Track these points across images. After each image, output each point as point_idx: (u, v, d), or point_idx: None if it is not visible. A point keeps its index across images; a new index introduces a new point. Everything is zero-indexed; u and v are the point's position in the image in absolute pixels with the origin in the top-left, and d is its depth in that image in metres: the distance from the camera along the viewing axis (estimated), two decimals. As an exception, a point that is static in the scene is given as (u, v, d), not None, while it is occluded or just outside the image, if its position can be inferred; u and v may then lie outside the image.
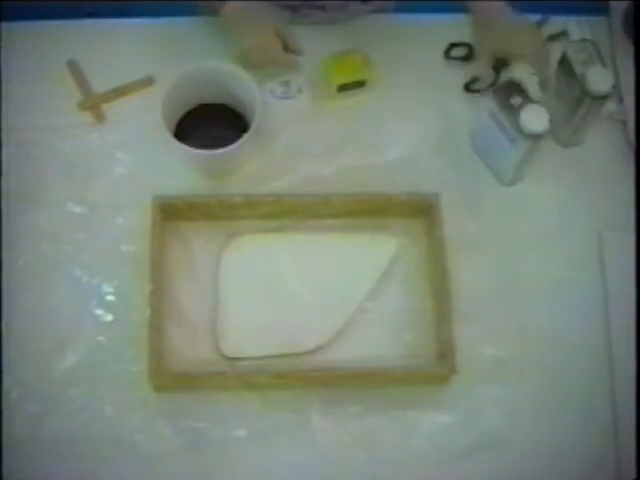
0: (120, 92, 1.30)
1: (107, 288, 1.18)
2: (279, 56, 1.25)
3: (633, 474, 1.07)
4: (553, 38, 1.37)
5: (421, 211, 1.22)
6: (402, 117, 1.28)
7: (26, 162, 1.24)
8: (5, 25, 1.31)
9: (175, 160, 1.24)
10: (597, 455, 1.14)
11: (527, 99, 1.18)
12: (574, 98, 1.22)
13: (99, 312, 1.17)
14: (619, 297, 1.20)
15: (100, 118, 1.29)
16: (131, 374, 1.13)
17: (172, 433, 1.12)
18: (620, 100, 1.32)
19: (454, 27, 1.35)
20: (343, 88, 1.29)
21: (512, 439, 1.14)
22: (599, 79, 1.19)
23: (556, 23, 1.38)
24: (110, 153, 1.26)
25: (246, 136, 1.17)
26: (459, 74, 1.34)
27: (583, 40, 1.29)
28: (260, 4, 1.25)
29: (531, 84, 1.19)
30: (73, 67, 1.31)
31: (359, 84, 1.29)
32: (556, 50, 1.29)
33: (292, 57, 1.26)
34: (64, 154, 1.25)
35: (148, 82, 1.31)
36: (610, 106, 1.26)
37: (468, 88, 1.33)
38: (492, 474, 1.13)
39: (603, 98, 1.20)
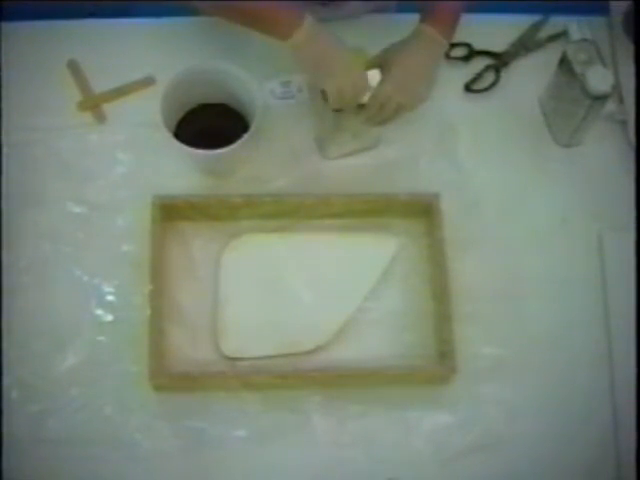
0: (120, 92, 1.30)
1: (107, 288, 1.18)
2: (360, 76, 1.17)
3: (633, 474, 1.07)
4: (553, 38, 1.37)
5: (421, 211, 1.22)
6: (402, 117, 1.27)
7: (26, 162, 1.24)
8: (5, 25, 1.31)
9: (175, 160, 1.24)
10: (597, 455, 1.14)
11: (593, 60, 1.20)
12: (574, 98, 1.22)
13: (99, 312, 1.17)
14: (619, 297, 1.20)
15: (100, 118, 1.29)
16: (131, 374, 1.13)
17: (172, 433, 1.12)
18: (620, 100, 1.32)
19: (454, 27, 1.36)
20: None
21: (512, 439, 1.14)
22: (599, 79, 1.19)
23: (556, 23, 1.38)
24: (110, 153, 1.26)
25: (246, 136, 1.17)
26: (459, 74, 1.34)
27: (583, 40, 1.29)
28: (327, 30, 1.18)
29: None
30: (73, 67, 1.31)
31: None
32: (556, 50, 1.29)
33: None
34: (64, 154, 1.25)
35: (148, 82, 1.31)
36: (610, 106, 1.26)
37: (468, 88, 1.34)
38: (492, 474, 1.13)
39: (603, 98, 1.20)
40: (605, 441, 1.15)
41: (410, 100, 1.19)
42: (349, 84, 1.16)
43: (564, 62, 1.23)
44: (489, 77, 1.34)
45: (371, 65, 1.19)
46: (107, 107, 1.29)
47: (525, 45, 1.37)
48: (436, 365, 1.16)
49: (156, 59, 1.32)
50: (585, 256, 1.24)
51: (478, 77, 1.34)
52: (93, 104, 1.29)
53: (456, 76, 1.34)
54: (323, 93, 1.18)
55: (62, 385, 1.13)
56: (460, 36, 1.33)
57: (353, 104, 1.19)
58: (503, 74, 1.35)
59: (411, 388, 1.15)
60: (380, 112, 1.19)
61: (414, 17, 1.22)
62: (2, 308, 1.14)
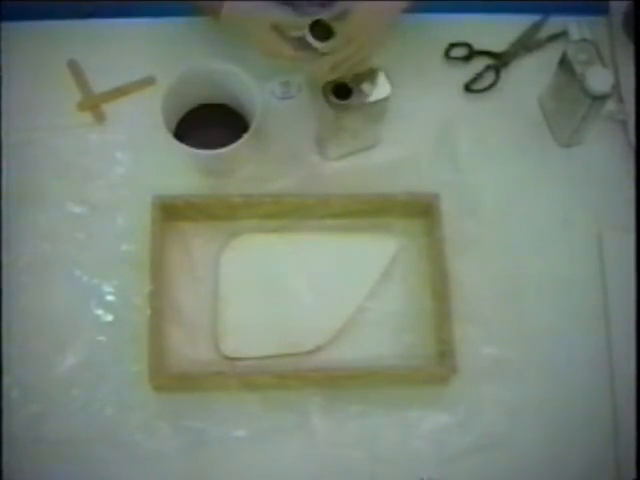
0: (120, 92, 1.30)
1: (107, 288, 1.18)
2: (286, 54, 1.18)
3: (633, 474, 1.07)
4: (553, 38, 1.37)
5: (421, 211, 1.22)
6: (402, 117, 1.28)
7: (26, 162, 1.24)
8: (5, 25, 1.31)
9: (175, 160, 1.24)
10: (597, 455, 1.14)
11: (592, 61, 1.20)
12: (574, 98, 1.22)
13: (99, 312, 1.17)
14: (619, 297, 1.20)
15: (100, 118, 1.29)
16: (131, 374, 1.13)
17: (172, 433, 1.12)
18: (620, 100, 1.32)
19: (454, 27, 1.35)
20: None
21: (512, 439, 1.14)
22: (599, 79, 1.19)
23: (556, 23, 1.38)
24: (110, 153, 1.26)
25: (246, 136, 1.17)
26: (459, 74, 1.34)
27: (583, 40, 1.29)
28: (257, 3, 1.21)
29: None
30: (73, 67, 1.31)
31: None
32: (556, 50, 1.29)
33: (303, 53, 1.18)
34: (64, 154, 1.25)
35: (148, 82, 1.31)
36: (610, 106, 1.26)
37: (468, 88, 1.34)
38: (492, 474, 1.13)
39: (603, 98, 1.20)
40: (605, 441, 1.14)
41: (372, 37, 1.18)
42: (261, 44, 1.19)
43: (564, 62, 1.23)
44: (489, 77, 1.34)
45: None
46: (107, 107, 1.29)
47: (525, 45, 1.36)
48: (436, 365, 1.16)
49: (156, 59, 1.32)
50: (585, 256, 1.24)
51: (478, 77, 1.34)
52: (93, 104, 1.29)
53: (456, 76, 1.34)
54: (324, 92, 1.18)
55: (62, 385, 1.13)
56: (460, 36, 1.34)
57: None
58: (503, 74, 1.34)
59: (411, 388, 1.15)
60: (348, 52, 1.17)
61: (412, 17, 1.22)
62: (2, 308, 1.14)
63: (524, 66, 1.36)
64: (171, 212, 1.19)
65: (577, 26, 1.37)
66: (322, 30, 1.16)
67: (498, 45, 1.36)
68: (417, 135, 1.29)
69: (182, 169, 1.25)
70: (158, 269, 1.15)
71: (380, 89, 1.19)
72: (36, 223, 1.21)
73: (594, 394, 1.17)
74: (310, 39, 1.16)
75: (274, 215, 1.22)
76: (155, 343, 1.12)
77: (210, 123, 1.25)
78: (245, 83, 1.21)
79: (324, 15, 1.17)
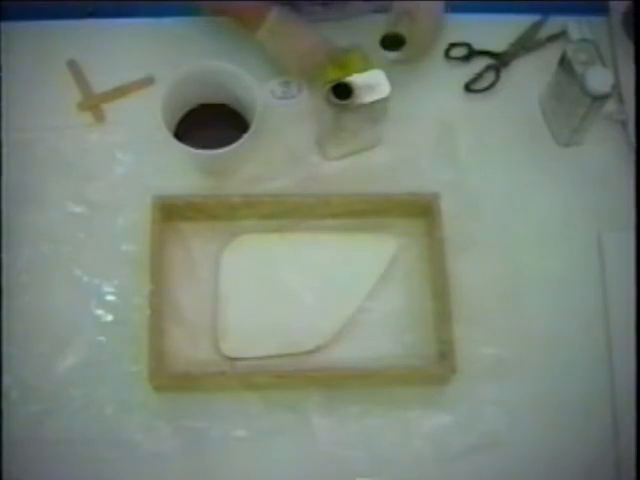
0: (120, 92, 1.30)
1: (107, 288, 1.18)
2: (321, 60, 1.26)
3: (633, 474, 1.07)
4: (553, 38, 1.37)
5: (421, 211, 1.22)
6: (402, 117, 1.28)
7: (26, 162, 1.24)
8: (5, 25, 1.31)
9: (175, 160, 1.24)
10: (597, 455, 1.14)
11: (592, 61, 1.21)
12: (574, 98, 1.22)
13: (99, 312, 1.17)
14: (619, 297, 1.20)
15: (100, 118, 1.29)
16: (131, 374, 1.13)
17: (172, 433, 1.12)
18: (620, 100, 1.32)
19: (454, 27, 1.35)
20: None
21: (512, 439, 1.14)
22: (599, 79, 1.19)
23: (556, 23, 1.38)
24: (110, 153, 1.26)
25: (246, 136, 1.17)
26: (459, 74, 1.34)
27: (583, 40, 1.29)
28: (294, 15, 1.26)
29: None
30: (73, 67, 1.31)
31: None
32: (556, 50, 1.29)
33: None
34: (64, 154, 1.25)
35: (148, 82, 1.31)
36: (610, 106, 1.26)
37: (468, 88, 1.34)
38: (492, 474, 1.13)
39: (603, 98, 1.20)
40: (605, 441, 1.14)
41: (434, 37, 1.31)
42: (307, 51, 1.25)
43: (564, 62, 1.23)
44: (489, 77, 1.34)
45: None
46: (107, 107, 1.29)
47: (525, 45, 1.36)
48: (436, 365, 1.16)
49: (156, 59, 1.32)
50: (585, 256, 1.24)
51: (478, 77, 1.34)
52: (93, 104, 1.29)
53: (456, 76, 1.34)
54: (324, 92, 1.19)
55: (62, 385, 1.13)
56: (460, 36, 1.34)
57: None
58: (503, 74, 1.34)
59: (411, 388, 1.15)
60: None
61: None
62: (2, 308, 1.14)
63: (524, 66, 1.36)
64: (171, 212, 1.19)
65: (577, 26, 1.37)
66: (392, 41, 1.26)
67: (498, 45, 1.36)
68: (417, 135, 1.29)
69: (182, 169, 1.25)
70: (158, 269, 1.15)
71: (380, 89, 1.19)
72: (36, 223, 1.21)
73: (594, 394, 1.17)
74: (383, 52, 1.26)
75: (274, 215, 1.22)
76: (155, 343, 1.12)
77: (210, 123, 1.25)
78: (245, 83, 1.21)
79: (389, 27, 1.25)
